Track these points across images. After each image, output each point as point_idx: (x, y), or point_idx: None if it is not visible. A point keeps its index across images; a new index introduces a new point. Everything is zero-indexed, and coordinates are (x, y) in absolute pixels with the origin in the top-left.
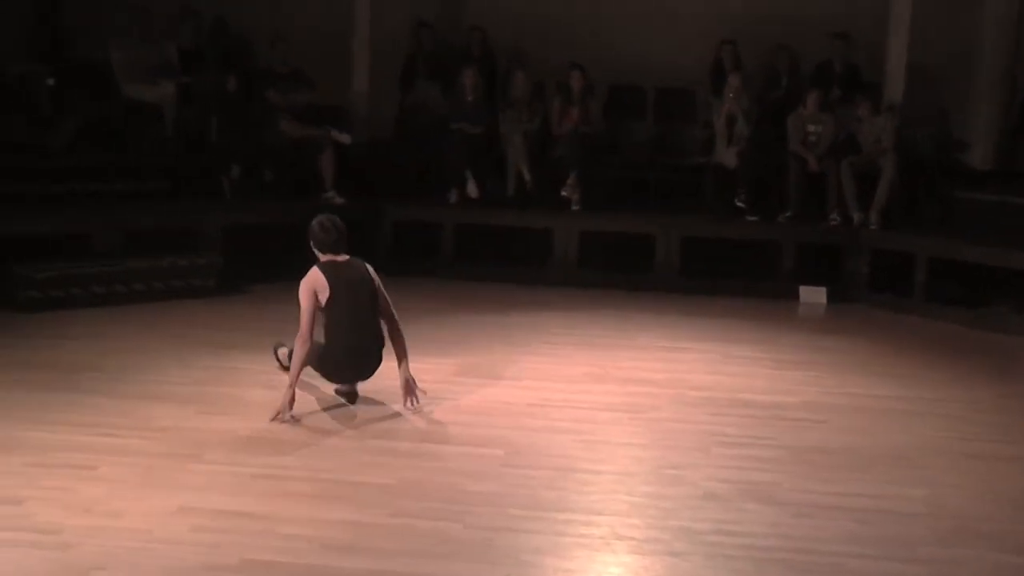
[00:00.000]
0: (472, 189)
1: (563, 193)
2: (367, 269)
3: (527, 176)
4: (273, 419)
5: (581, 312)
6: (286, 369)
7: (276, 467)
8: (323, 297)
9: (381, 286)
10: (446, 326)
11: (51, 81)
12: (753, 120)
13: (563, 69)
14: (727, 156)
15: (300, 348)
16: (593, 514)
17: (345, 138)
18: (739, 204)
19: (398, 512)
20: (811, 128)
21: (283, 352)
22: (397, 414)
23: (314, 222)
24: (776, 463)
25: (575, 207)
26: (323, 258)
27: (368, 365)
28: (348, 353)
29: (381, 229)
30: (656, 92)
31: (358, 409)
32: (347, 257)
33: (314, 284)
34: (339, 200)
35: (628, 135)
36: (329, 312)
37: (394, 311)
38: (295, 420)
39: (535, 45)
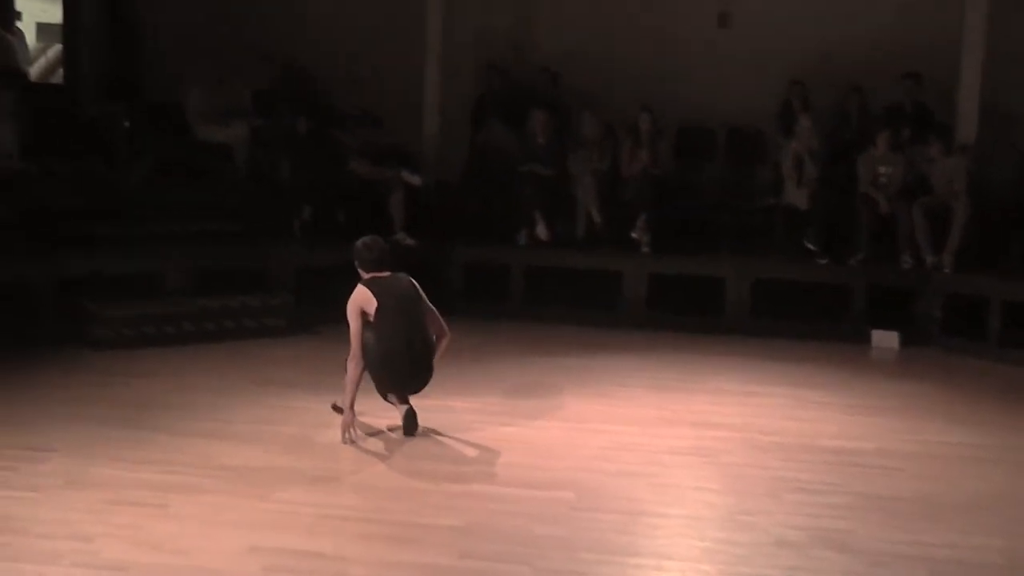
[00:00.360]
0: (542, 231)
1: (633, 235)
2: (410, 281)
3: (597, 218)
4: (342, 440)
5: (651, 354)
6: (339, 410)
7: (345, 507)
8: (370, 310)
9: (424, 296)
10: (516, 368)
11: (127, 122)
12: (823, 161)
13: (632, 111)
14: (797, 197)
15: (354, 368)
16: (663, 558)
17: (416, 179)
18: (809, 247)
19: (467, 554)
20: (882, 169)
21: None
22: (465, 456)
23: (358, 243)
24: (849, 510)
25: (645, 249)
26: (366, 276)
27: (420, 371)
28: (399, 360)
29: (451, 271)
30: (725, 133)
31: (424, 450)
32: (389, 272)
33: (360, 301)
34: (409, 241)
35: (697, 176)
36: (378, 323)
37: (441, 320)
38: (360, 439)
39: (605, 87)
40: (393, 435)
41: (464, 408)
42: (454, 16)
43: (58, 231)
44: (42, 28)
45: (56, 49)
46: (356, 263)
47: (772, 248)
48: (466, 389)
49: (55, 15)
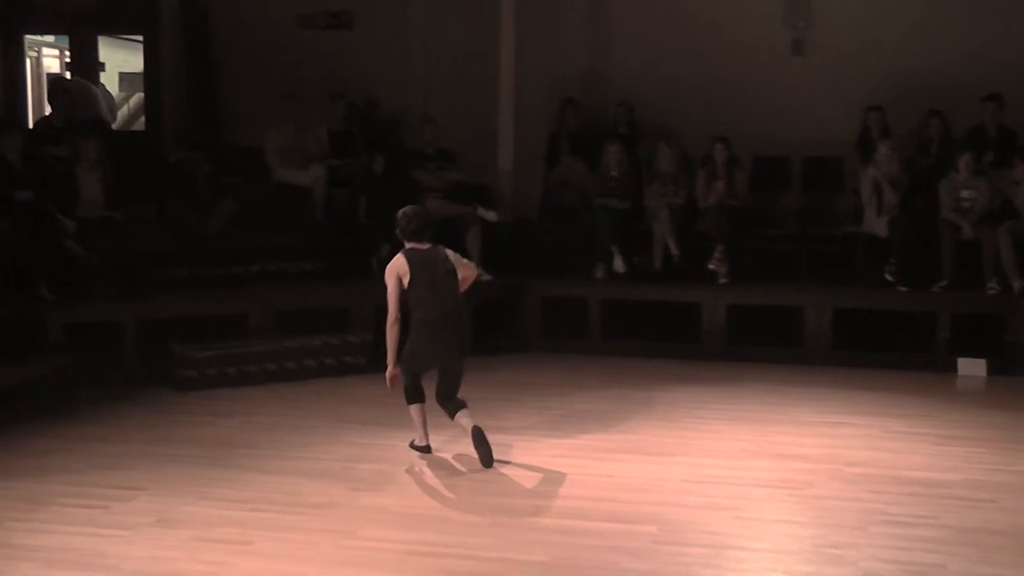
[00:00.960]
0: (619, 264)
1: (710, 266)
2: (446, 252)
3: (674, 250)
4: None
5: (731, 386)
6: (415, 449)
7: (431, 544)
8: (405, 280)
9: (458, 266)
10: (595, 401)
11: (207, 167)
12: (903, 188)
13: (707, 142)
14: (877, 225)
15: (391, 329)
16: None
17: (491, 215)
18: (887, 277)
19: None
20: (964, 194)
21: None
22: (546, 490)
23: (399, 212)
24: (940, 543)
25: (722, 280)
26: (407, 245)
27: (449, 339)
28: (430, 327)
29: (528, 306)
30: (802, 162)
31: (505, 484)
32: (429, 245)
33: (397, 269)
34: (486, 277)
35: (774, 206)
36: (412, 292)
37: (471, 267)
38: (427, 450)
39: (679, 119)
40: (474, 471)
41: (544, 442)
42: (527, 52)
43: (142, 275)
44: (124, 77)
45: (138, 97)
46: (397, 233)
47: (852, 277)
48: (546, 423)
49: (136, 64)
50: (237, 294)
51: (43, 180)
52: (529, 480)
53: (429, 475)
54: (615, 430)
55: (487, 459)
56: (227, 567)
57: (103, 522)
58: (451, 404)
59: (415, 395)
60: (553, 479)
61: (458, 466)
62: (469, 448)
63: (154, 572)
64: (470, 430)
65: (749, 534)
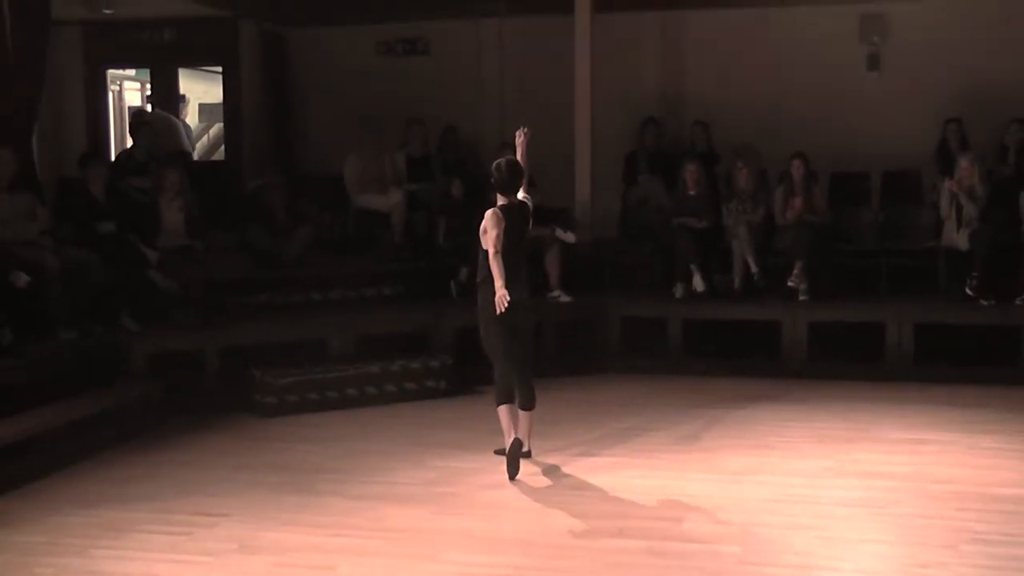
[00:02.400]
0: (698, 283)
1: (790, 283)
2: (527, 207)
3: (753, 268)
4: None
5: (813, 404)
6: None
7: (515, 567)
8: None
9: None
10: (676, 421)
11: (285, 193)
12: (984, 200)
13: (785, 158)
14: (958, 238)
15: (496, 260)
16: None
17: (570, 237)
18: (970, 293)
19: None
20: None
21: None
22: (627, 511)
23: (493, 165)
24: None
25: (803, 297)
26: (499, 200)
27: (521, 284)
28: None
29: (608, 325)
30: (881, 176)
31: (586, 505)
32: (516, 199)
33: (496, 217)
34: (565, 298)
35: (854, 221)
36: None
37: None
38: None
39: (756, 136)
40: (550, 490)
41: (624, 462)
42: (602, 73)
43: (224, 302)
44: (204, 108)
45: (217, 128)
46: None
47: (933, 292)
48: (627, 443)
49: (216, 95)
50: (317, 320)
51: (126, 211)
52: (610, 501)
53: (511, 498)
54: (695, 449)
55: (511, 472)
56: None
57: (187, 548)
58: (525, 390)
59: (504, 392)
60: (634, 499)
61: (539, 488)
62: (551, 468)
63: None
64: (512, 439)
65: (834, 554)
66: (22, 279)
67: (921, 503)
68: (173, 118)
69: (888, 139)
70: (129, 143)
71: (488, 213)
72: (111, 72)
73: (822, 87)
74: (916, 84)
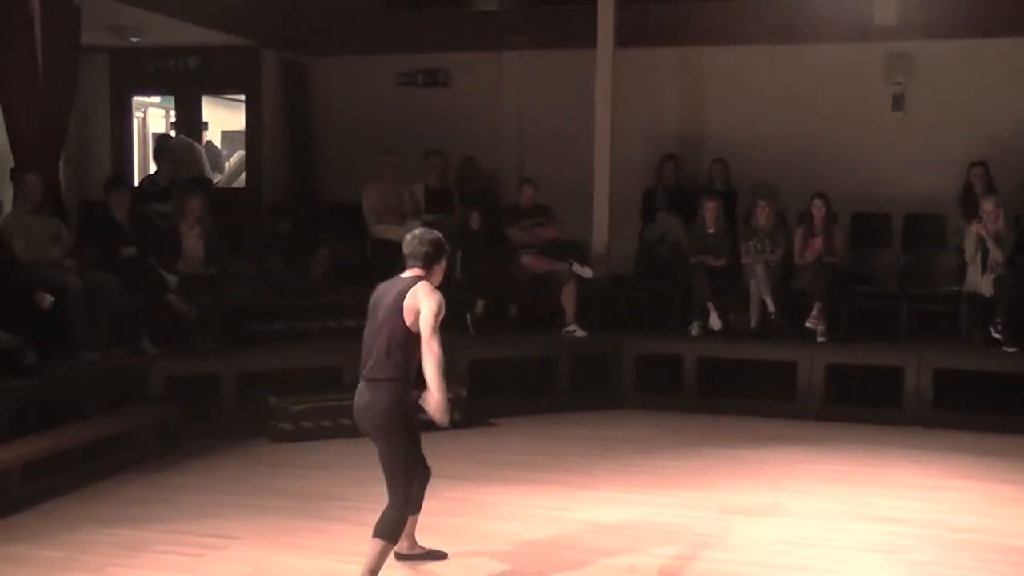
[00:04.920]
0: (714, 321)
1: (808, 324)
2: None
3: (770, 307)
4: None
5: (829, 446)
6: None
7: None
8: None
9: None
10: (689, 459)
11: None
12: (1009, 245)
13: (805, 198)
14: (982, 284)
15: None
16: None
17: (587, 272)
18: (995, 335)
19: None
20: None
21: None
22: (641, 547)
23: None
24: None
25: (820, 339)
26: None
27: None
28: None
29: (623, 362)
30: (903, 218)
31: (596, 542)
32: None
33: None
34: (581, 333)
35: (874, 263)
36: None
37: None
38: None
39: (776, 175)
40: (558, 524)
41: (637, 498)
42: (622, 108)
43: (241, 328)
44: (226, 136)
45: (239, 155)
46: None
47: (954, 337)
48: (640, 479)
49: (238, 123)
50: (333, 348)
51: (147, 236)
52: (622, 537)
53: (522, 532)
54: (708, 488)
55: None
56: None
57: (199, 570)
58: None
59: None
60: (646, 537)
61: (551, 523)
62: (563, 503)
63: None
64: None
65: None
66: (46, 300)
67: (938, 551)
68: (196, 144)
69: (911, 180)
70: (152, 169)
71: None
72: (136, 99)
73: (845, 126)
74: (941, 125)
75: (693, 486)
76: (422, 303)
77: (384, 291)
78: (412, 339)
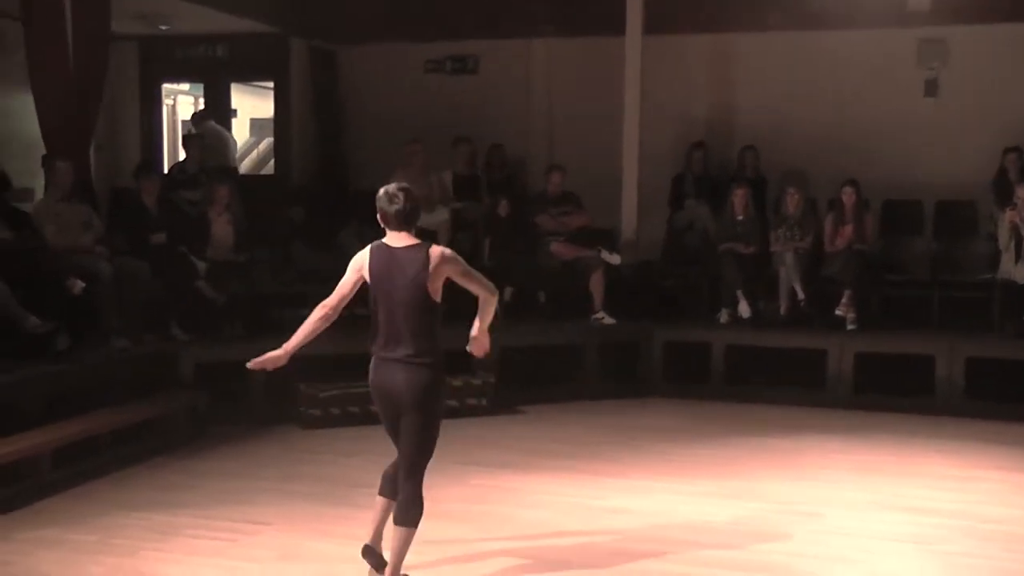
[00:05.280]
0: (743, 309)
1: (837, 312)
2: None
3: (800, 295)
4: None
5: (859, 435)
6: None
7: None
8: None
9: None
10: (717, 447)
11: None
12: None
13: (836, 185)
14: (1016, 272)
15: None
16: None
17: (615, 259)
18: None
19: None
20: None
21: None
22: (668, 536)
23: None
24: None
25: (850, 327)
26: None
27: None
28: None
29: (651, 349)
30: (935, 205)
31: (628, 531)
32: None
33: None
34: (609, 320)
35: (905, 251)
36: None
37: None
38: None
39: (807, 162)
40: (587, 512)
41: (666, 486)
42: (651, 96)
43: (269, 314)
44: (255, 123)
45: (267, 142)
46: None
47: (986, 325)
48: (667, 469)
49: (265, 110)
50: (361, 334)
51: (177, 223)
52: (650, 525)
53: (551, 519)
54: (738, 477)
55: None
56: None
57: (231, 555)
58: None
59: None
60: (675, 525)
61: (580, 510)
62: (591, 491)
63: None
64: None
65: None
66: (77, 286)
67: (970, 542)
68: (225, 132)
69: (944, 167)
70: (181, 156)
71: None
72: (165, 86)
73: (877, 113)
74: (974, 111)
75: (722, 475)
76: (455, 274)
77: (386, 264)
78: (437, 309)
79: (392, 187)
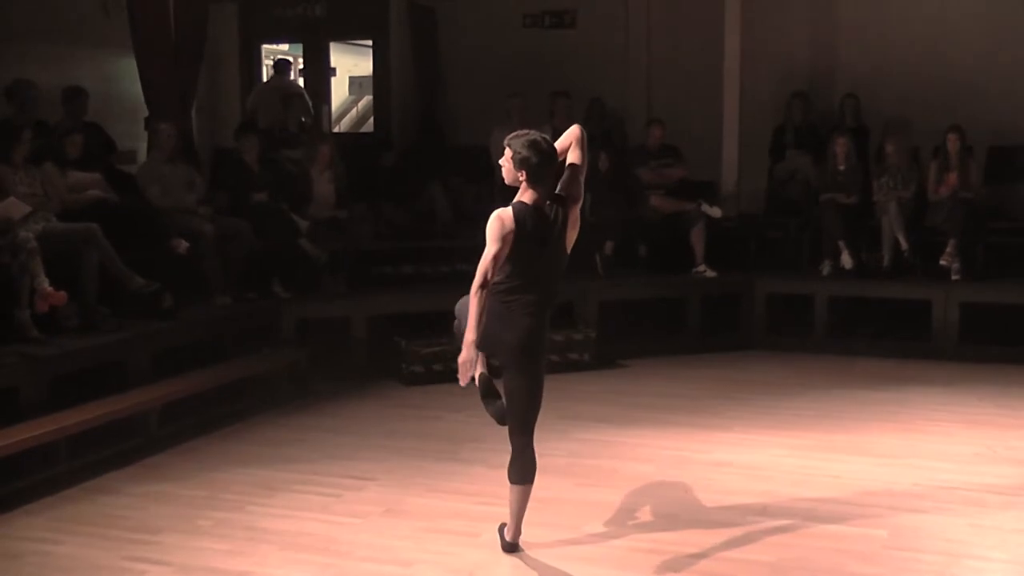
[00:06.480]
0: (846, 260)
1: (942, 262)
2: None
3: (903, 245)
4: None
5: (964, 387)
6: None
7: (656, 541)
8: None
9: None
10: (821, 400)
11: (433, 167)
12: None
13: (939, 132)
14: None
15: (477, 297)
16: None
17: (716, 211)
18: None
19: None
20: None
21: None
22: (771, 490)
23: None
24: None
25: (955, 276)
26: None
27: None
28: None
29: (753, 302)
30: None
31: (729, 483)
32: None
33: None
34: (711, 273)
35: (1011, 198)
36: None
37: None
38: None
39: (910, 109)
40: (694, 466)
41: (769, 440)
42: (752, 46)
43: (370, 271)
44: (353, 81)
45: (367, 100)
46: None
47: None
48: (770, 422)
49: (365, 68)
50: (462, 290)
51: (278, 181)
52: (754, 479)
53: (654, 472)
54: (841, 430)
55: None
56: (454, 557)
57: (336, 510)
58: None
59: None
60: (779, 479)
61: (682, 464)
62: (695, 444)
63: (384, 559)
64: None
65: (987, 543)
66: (182, 246)
67: None
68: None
69: None
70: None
71: (494, 217)
72: (265, 47)
73: (981, 57)
74: None
75: (826, 428)
76: (577, 225)
77: (535, 221)
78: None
79: (535, 135)
